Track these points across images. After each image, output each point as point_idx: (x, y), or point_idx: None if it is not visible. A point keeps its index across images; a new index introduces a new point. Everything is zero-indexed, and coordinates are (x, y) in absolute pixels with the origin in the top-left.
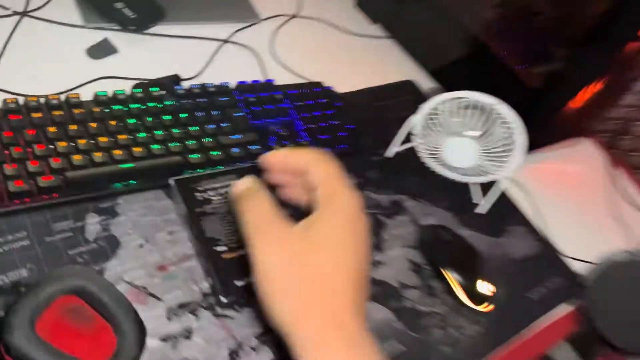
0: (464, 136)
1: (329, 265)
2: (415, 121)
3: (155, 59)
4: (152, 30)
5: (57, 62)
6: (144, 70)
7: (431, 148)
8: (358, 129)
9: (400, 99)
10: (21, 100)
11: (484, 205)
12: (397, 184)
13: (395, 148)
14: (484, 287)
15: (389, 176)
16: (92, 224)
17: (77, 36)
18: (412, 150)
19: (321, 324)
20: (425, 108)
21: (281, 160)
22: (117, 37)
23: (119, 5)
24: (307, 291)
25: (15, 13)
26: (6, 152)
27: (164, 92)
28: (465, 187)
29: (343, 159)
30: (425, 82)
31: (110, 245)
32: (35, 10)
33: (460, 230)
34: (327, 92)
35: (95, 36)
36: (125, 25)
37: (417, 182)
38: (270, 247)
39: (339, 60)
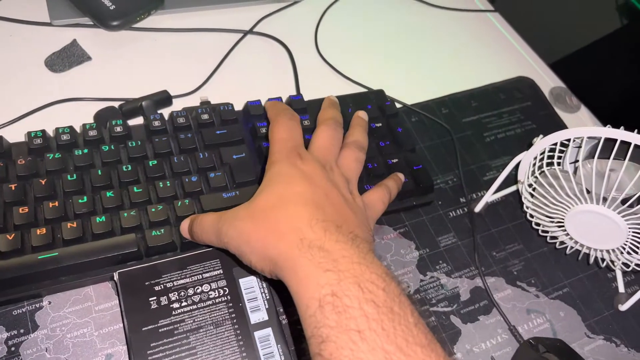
0: (609, 199)
1: (271, 203)
2: (526, 162)
3: (142, 66)
4: (142, 24)
5: (4, 76)
6: (124, 85)
7: (551, 208)
8: (427, 171)
9: (505, 111)
10: None
11: (627, 299)
12: (485, 259)
13: (488, 198)
14: None
15: (475, 246)
16: None
17: (38, 38)
18: (512, 201)
19: (296, 243)
20: (545, 143)
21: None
22: (92, 37)
23: None
24: (260, 232)
25: None
26: None
27: (136, 122)
28: (599, 270)
29: (406, 215)
30: (544, 79)
31: None
32: None
33: (589, 344)
34: (387, 108)
35: (62, 37)
36: (103, 20)
37: (519, 254)
38: (233, 222)
39: (415, 50)
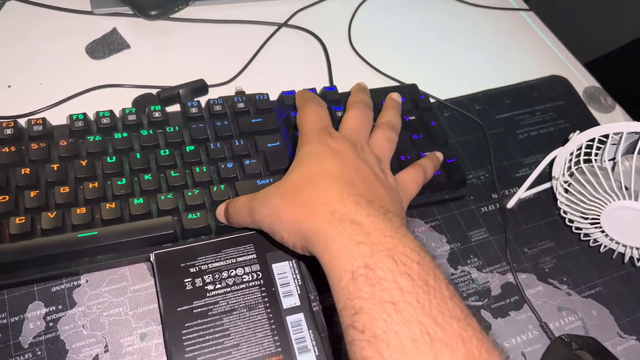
0: None
1: (302, 181)
2: (562, 158)
3: (179, 55)
4: (180, 14)
5: (47, 62)
6: (161, 73)
7: (587, 205)
8: (460, 165)
9: (538, 109)
10: None
11: None
12: (517, 255)
13: (521, 195)
14: None
15: (506, 242)
16: (34, 319)
17: (80, 26)
18: (545, 198)
19: (327, 217)
20: (582, 139)
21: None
22: (132, 26)
23: None
24: (291, 209)
25: None
26: None
27: (172, 109)
28: (634, 269)
29: (437, 209)
30: (578, 78)
31: (50, 358)
32: None
33: (622, 343)
34: (421, 101)
35: (103, 26)
36: (143, 9)
37: (551, 252)
38: (265, 200)
39: (448, 46)
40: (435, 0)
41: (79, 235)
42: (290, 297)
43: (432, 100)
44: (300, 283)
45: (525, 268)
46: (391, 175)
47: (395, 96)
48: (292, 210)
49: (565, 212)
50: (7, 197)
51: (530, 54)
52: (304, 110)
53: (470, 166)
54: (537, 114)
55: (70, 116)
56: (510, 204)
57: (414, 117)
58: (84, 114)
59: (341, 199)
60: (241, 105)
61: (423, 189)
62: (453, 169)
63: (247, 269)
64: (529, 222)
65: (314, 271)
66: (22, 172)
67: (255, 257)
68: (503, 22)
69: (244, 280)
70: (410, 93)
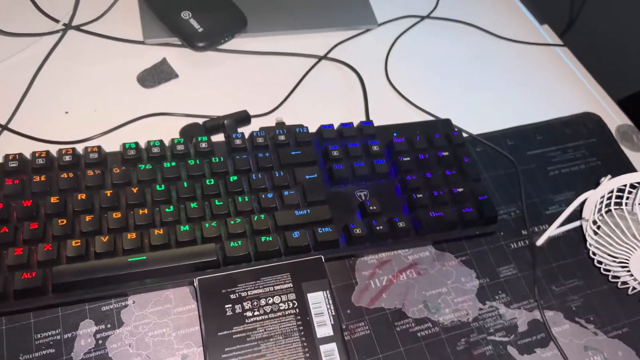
0: None
1: None
2: (593, 200)
3: (224, 85)
4: (226, 46)
5: (101, 89)
6: (207, 102)
7: (615, 248)
8: (492, 202)
9: (570, 146)
10: (27, 153)
11: None
12: (545, 292)
13: (551, 233)
14: None
15: (535, 279)
16: (85, 336)
17: (131, 56)
18: (574, 237)
19: None
20: (614, 184)
21: None
22: (180, 57)
23: (185, 15)
24: None
25: (65, 27)
26: None
27: (217, 138)
28: None
29: (467, 244)
30: (611, 116)
31: None
32: (88, 23)
33: None
34: (454, 137)
35: (153, 55)
36: (191, 41)
37: (578, 290)
38: None
39: (482, 81)
40: (471, 35)
41: (129, 260)
42: (324, 327)
43: (464, 135)
44: (333, 313)
45: (553, 305)
46: None
47: None
48: None
49: (594, 253)
50: (65, 221)
51: (564, 90)
52: None
53: (500, 201)
54: (568, 151)
55: (123, 145)
56: (540, 241)
57: (447, 153)
58: (136, 143)
59: None
60: (282, 137)
61: (455, 224)
62: (484, 206)
63: (284, 298)
64: (558, 260)
65: (346, 302)
66: (79, 198)
67: (291, 286)
68: (537, 58)
69: (281, 308)
70: (444, 128)
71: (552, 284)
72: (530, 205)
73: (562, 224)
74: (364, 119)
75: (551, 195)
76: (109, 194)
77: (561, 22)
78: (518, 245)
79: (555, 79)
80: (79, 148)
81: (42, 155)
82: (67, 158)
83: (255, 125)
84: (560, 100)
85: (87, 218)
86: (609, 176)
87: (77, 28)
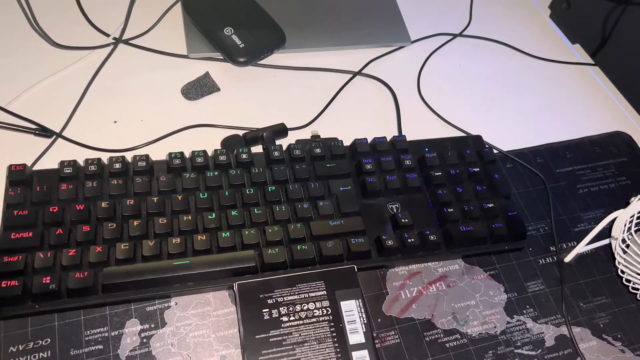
0: None
1: None
2: (622, 220)
3: (263, 99)
4: (265, 61)
5: (147, 100)
6: (247, 114)
7: None
8: (521, 219)
9: (600, 165)
10: (79, 159)
11: None
12: (572, 308)
13: (580, 250)
14: None
15: (563, 295)
16: (131, 334)
17: (175, 69)
18: (602, 255)
19: None
20: None
21: None
22: (222, 71)
23: (227, 31)
24: None
25: (116, 40)
26: (45, 234)
27: (255, 149)
28: None
29: (496, 258)
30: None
31: None
32: (136, 37)
33: None
34: (485, 154)
35: (197, 69)
36: (233, 56)
37: (606, 308)
38: None
39: (512, 98)
40: (502, 52)
41: (174, 263)
42: (356, 334)
43: (495, 151)
44: (365, 321)
45: (580, 322)
46: None
47: None
48: None
49: (622, 272)
50: (115, 225)
51: (594, 109)
52: None
53: (529, 218)
54: (598, 170)
55: (169, 154)
56: (568, 258)
57: (478, 169)
58: (181, 153)
59: None
60: (318, 150)
61: (484, 239)
62: (514, 222)
63: (318, 304)
64: (586, 277)
65: (376, 311)
66: (128, 203)
67: (325, 293)
68: (568, 76)
69: (315, 314)
70: (476, 145)
71: (580, 301)
72: (559, 222)
73: (591, 242)
74: (396, 133)
75: (580, 213)
76: (155, 201)
77: (593, 41)
78: (546, 261)
79: (586, 98)
80: (128, 156)
81: (94, 163)
82: (117, 165)
83: (292, 137)
84: (590, 119)
85: (135, 223)
86: (639, 196)
87: (126, 42)
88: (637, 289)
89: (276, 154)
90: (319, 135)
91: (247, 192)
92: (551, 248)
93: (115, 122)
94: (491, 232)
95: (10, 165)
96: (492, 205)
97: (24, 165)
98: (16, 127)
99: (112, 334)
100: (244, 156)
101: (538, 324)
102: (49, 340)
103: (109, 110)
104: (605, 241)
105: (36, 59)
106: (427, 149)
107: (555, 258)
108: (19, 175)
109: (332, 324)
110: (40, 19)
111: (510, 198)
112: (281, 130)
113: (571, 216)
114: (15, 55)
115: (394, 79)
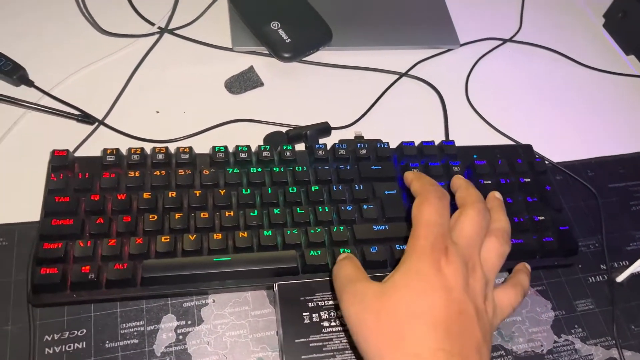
0: None
1: (400, 312)
2: None
3: (306, 96)
4: (310, 58)
5: (190, 92)
6: (290, 111)
7: None
8: (573, 234)
9: None
10: (121, 147)
11: None
12: (623, 331)
13: (634, 270)
14: None
15: (614, 316)
16: (167, 330)
17: (219, 62)
18: None
19: None
20: None
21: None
22: (267, 66)
23: (274, 25)
24: (380, 337)
25: (161, 30)
26: (86, 222)
27: (299, 150)
28: None
29: (544, 273)
30: None
31: None
32: (181, 27)
33: None
34: (536, 164)
35: (241, 63)
36: (278, 51)
37: None
38: (358, 305)
39: (562, 108)
40: (553, 61)
41: (214, 259)
42: None
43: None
44: None
45: (631, 345)
46: (492, 301)
47: (498, 195)
48: (381, 342)
49: None
50: (156, 217)
51: None
52: (423, 204)
53: (579, 233)
54: None
55: (213, 147)
56: (621, 277)
57: (529, 180)
58: (225, 147)
59: (435, 356)
60: (363, 151)
61: (534, 253)
62: (565, 237)
63: None
64: (639, 299)
65: None
66: (170, 195)
67: None
68: (622, 88)
69: None
70: (526, 154)
71: (632, 323)
72: (611, 239)
73: None
74: (441, 137)
75: (632, 231)
76: (197, 194)
77: None
78: (596, 279)
79: (639, 111)
80: (170, 147)
81: (137, 152)
82: (160, 156)
83: (334, 137)
84: None
85: (177, 216)
86: None
87: (171, 32)
88: None
89: (320, 153)
90: (363, 136)
91: (290, 191)
92: (602, 266)
93: (158, 112)
94: (541, 246)
95: (54, 151)
96: (543, 218)
97: (67, 150)
98: (59, 112)
99: (148, 328)
100: (288, 154)
101: (587, 345)
102: (85, 330)
103: (152, 99)
104: None
105: (82, 44)
106: (475, 156)
107: (606, 277)
108: (61, 161)
109: None
110: (90, 5)
111: (562, 212)
112: (325, 129)
113: (623, 234)
114: (62, 40)
115: (441, 82)
